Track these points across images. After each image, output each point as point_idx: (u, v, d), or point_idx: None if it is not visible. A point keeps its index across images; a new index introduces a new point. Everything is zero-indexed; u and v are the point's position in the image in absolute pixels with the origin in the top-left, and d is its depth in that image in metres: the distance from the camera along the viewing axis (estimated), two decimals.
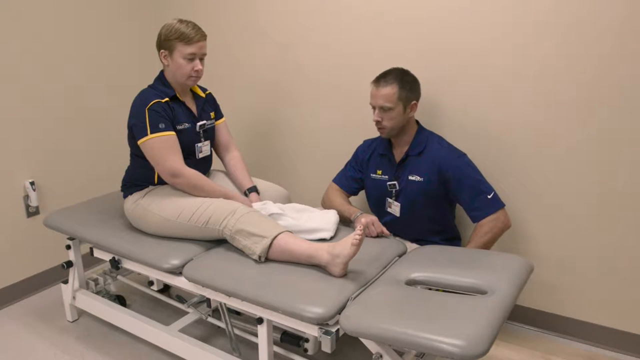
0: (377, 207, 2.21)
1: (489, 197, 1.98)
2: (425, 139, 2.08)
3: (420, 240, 2.14)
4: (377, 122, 2.03)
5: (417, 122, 2.13)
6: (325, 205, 2.26)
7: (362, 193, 2.32)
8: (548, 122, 2.05)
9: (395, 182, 2.10)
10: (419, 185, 2.05)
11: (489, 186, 2.01)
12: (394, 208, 2.12)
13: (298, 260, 1.78)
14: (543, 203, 2.13)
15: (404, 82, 1.99)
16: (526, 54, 2.03)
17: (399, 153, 2.12)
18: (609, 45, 1.88)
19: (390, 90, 1.97)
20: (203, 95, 2.23)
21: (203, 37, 2.02)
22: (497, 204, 1.99)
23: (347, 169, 2.28)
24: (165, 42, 2.01)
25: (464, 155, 2.04)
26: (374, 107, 2.04)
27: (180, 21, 2.00)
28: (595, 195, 2.03)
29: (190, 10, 2.87)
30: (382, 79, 2.00)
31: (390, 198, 2.13)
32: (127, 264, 2.08)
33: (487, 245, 1.99)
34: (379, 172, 2.16)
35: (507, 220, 2.01)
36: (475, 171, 2.02)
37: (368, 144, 2.24)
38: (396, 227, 2.16)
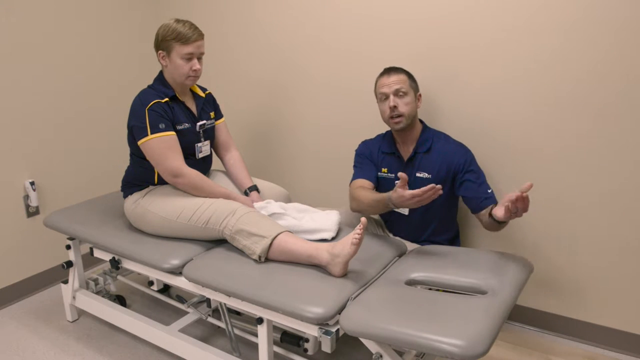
0: None
1: (489, 191, 1.99)
2: (431, 136, 2.09)
3: (424, 241, 2.13)
4: (393, 109, 1.99)
5: (420, 120, 2.14)
6: (356, 206, 2.03)
7: None
8: (547, 121, 2.05)
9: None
10: (428, 182, 2.04)
11: (488, 185, 2.02)
12: None
13: (298, 260, 1.78)
14: (543, 202, 2.13)
15: (409, 74, 2.06)
16: (523, 53, 2.03)
17: (405, 151, 2.11)
18: (607, 43, 1.88)
19: (402, 76, 2.02)
20: (203, 95, 2.23)
21: (200, 36, 2.02)
22: (494, 201, 1.99)
23: (362, 166, 2.16)
24: (163, 42, 2.01)
25: (470, 151, 2.06)
26: (385, 97, 2.02)
27: (177, 21, 2.00)
28: (596, 195, 2.03)
29: (190, 11, 2.87)
30: (391, 70, 2.05)
31: None
32: (127, 264, 2.08)
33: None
34: (384, 170, 2.15)
35: None
36: (479, 168, 2.04)
37: (369, 144, 2.21)
38: (403, 227, 2.15)
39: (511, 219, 1.75)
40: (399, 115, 2.01)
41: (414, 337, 1.38)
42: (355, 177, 2.15)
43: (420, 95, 2.08)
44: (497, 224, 1.85)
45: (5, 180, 2.47)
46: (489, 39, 2.08)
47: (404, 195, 1.75)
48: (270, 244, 1.79)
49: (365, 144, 2.22)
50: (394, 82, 2.00)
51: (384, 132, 2.20)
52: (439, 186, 1.69)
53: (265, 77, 2.73)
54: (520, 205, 1.67)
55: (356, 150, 2.22)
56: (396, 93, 2.00)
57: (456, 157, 2.02)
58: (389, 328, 1.43)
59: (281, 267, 1.78)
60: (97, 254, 2.16)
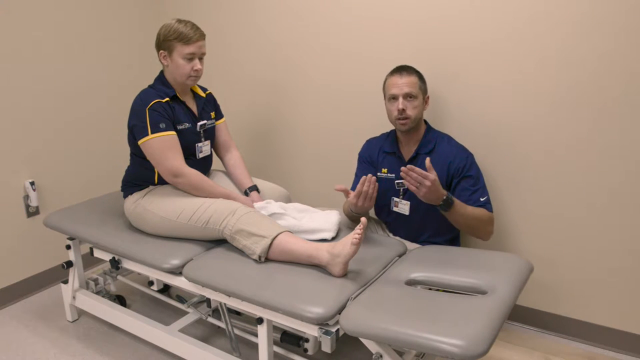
0: (380, 206, 2.19)
1: (482, 199, 1.98)
2: (434, 138, 2.08)
3: (424, 242, 2.13)
4: (401, 112, 1.99)
5: (425, 121, 2.13)
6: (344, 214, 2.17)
7: None
8: (548, 122, 2.05)
9: (403, 181, 2.09)
10: None
11: (485, 191, 2.01)
12: (402, 207, 2.10)
13: (298, 260, 1.78)
14: (543, 203, 2.13)
15: (420, 75, 2.04)
16: (526, 53, 2.03)
17: (407, 151, 2.11)
18: (609, 44, 1.88)
19: (413, 78, 2.00)
20: (203, 95, 2.23)
21: (202, 36, 2.02)
22: (488, 208, 1.99)
23: (360, 174, 2.19)
24: (164, 42, 2.01)
25: (472, 155, 2.06)
26: (393, 98, 2.01)
27: (179, 21, 2.00)
28: (596, 195, 2.03)
29: (190, 11, 2.88)
30: (403, 69, 2.02)
31: (397, 197, 2.12)
32: (127, 264, 2.08)
33: (468, 216, 1.92)
34: (384, 170, 2.15)
35: (490, 225, 1.99)
36: (479, 172, 2.03)
37: (372, 143, 2.22)
38: (403, 227, 2.15)
39: (423, 194, 1.80)
40: (406, 118, 2.00)
41: (414, 337, 1.38)
42: (352, 186, 2.19)
43: (428, 97, 2.07)
44: (443, 212, 1.89)
45: (5, 180, 2.47)
46: (489, 40, 2.08)
47: (352, 201, 1.80)
48: (270, 244, 1.80)
49: (368, 144, 2.23)
50: (405, 84, 1.98)
51: (388, 130, 2.20)
52: (370, 175, 1.74)
53: (265, 77, 2.73)
54: (414, 177, 1.77)
55: (359, 153, 2.23)
56: (406, 96, 1.98)
57: (456, 160, 2.01)
58: (389, 328, 1.43)
59: (281, 267, 1.78)
60: (97, 254, 2.16)
